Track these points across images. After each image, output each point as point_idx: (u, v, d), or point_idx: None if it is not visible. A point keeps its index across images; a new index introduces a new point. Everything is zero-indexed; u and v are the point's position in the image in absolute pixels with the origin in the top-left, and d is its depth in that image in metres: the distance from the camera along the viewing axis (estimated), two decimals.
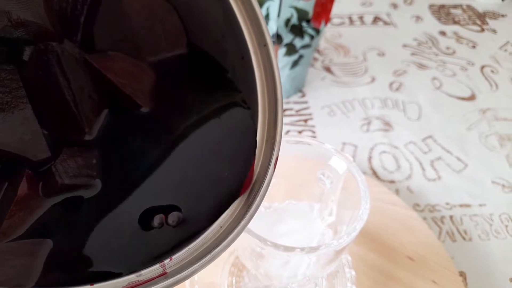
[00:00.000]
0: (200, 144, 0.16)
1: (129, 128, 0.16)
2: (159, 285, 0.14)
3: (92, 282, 0.14)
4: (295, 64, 0.47)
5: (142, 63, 0.16)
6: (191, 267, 0.14)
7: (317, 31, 0.44)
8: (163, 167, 0.16)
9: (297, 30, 0.42)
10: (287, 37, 0.43)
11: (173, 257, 0.15)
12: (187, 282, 0.31)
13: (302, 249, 0.20)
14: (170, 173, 0.16)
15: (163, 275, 0.14)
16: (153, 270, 0.15)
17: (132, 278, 0.14)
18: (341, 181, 0.25)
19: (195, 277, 0.31)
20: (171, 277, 0.14)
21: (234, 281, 0.32)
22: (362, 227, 0.21)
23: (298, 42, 0.44)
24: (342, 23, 0.66)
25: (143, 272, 0.14)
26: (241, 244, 0.24)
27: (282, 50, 0.44)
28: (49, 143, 0.14)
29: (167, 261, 0.15)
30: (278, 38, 0.43)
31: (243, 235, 0.16)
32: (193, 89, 0.17)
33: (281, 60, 0.45)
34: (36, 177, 0.13)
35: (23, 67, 0.13)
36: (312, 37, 0.44)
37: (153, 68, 0.16)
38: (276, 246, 0.20)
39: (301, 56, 0.46)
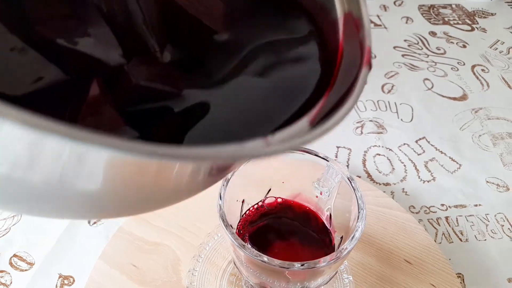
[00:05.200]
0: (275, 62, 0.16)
1: (200, 50, 0.15)
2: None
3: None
4: None
5: None
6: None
7: None
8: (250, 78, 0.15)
9: None
10: None
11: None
12: None
13: (302, 265, 0.20)
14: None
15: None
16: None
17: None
18: (336, 190, 0.25)
19: (195, 287, 0.31)
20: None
21: None
22: (357, 241, 0.21)
23: None
24: None
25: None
26: (237, 255, 0.24)
27: None
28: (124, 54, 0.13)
29: None
30: None
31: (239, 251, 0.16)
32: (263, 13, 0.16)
33: None
34: (109, 84, 0.13)
35: None
36: None
37: None
38: (272, 261, 0.20)
39: None
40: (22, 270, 0.35)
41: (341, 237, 0.25)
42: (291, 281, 0.24)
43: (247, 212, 0.27)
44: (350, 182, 0.23)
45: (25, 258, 0.36)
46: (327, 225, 0.26)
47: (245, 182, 0.25)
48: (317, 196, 0.26)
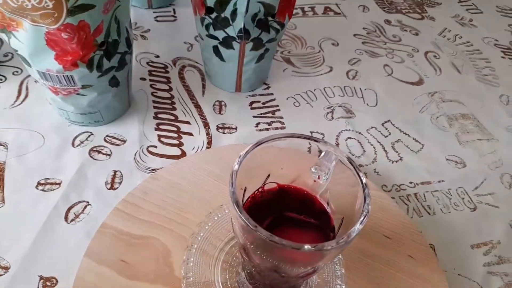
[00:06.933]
0: None
1: None
2: None
3: None
4: (260, 58, 0.47)
5: None
6: None
7: (282, 25, 0.45)
8: None
9: (263, 25, 0.43)
10: (254, 32, 0.43)
11: None
12: (183, 284, 0.30)
13: (313, 246, 0.21)
14: None
15: None
16: None
17: None
18: (333, 173, 0.26)
19: (190, 278, 0.31)
20: None
21: (228, 276, 0.33)
22: (367, 221, 0.22)
23: (264, 37, 0.44)
24: (295, 14, 0.67)
25: None
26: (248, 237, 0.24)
27: (249, 45, 0.44)
28: None
29: None
30: (246, 33, 0.43)
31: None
32: None
33: (247, 54, 0.46)
34: None
35: None
36: (277, 31, 0.45)
37: None
38: (283, 244, 0.21)
39: (266, 50, 0.47)
40: None
41: (342, 219, 0.26)
42: (296, 264, 0.25)
43: (248, 199, 0.27)
44: (351, 163, 0.24)
45: None
46: (326, 209, 0.27)
47: (248, 170, 0.25)
48: (314, 181, 0.27)
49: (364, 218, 0.22)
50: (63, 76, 0.37)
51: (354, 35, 0.65)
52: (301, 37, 0.62)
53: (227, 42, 0.44)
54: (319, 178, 0.27)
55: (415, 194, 0.43)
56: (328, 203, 0.28)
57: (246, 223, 0.21)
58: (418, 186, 0.44)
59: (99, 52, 0.37)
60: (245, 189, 0.27)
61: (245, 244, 0.25)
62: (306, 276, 0.26)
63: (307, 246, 0.21)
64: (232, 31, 0.43)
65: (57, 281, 0.33)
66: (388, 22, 0.69)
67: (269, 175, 0.28)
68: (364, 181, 0.24)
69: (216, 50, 0.46)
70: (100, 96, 0.41)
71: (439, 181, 0.45)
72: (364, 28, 0.67)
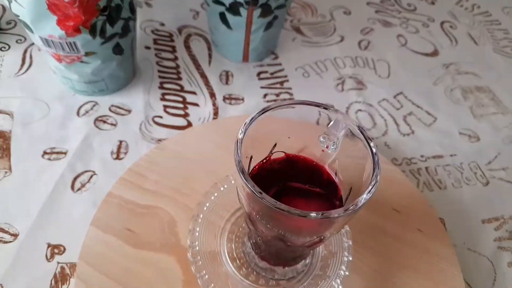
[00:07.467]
0: None
1: None
2: None
3: None
4: (269, 25, 0.45)
5: None
6: None
7: None
8: None
9: None
10: None
11: None
12: (188, 253, 0.30)
13: (320, 214, 0.20)
14: None
15: None
16: None
17: None
18: (342, 142, 0.25)
19: (196, 247, 0.31)
20: None
21: (233, 247, 0.32)
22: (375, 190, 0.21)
23: (273, 2, 0.42)
24: None
25: None
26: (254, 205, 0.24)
27: (257, 12, 0.43)
28: None
29: None
30: None
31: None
32: None
33: (255, 22, 0.44)
34: None
35: None
36: None
37: None
38: (289, 211, 0.20)
39: (275, 17, 0.45)
40: (5, 242, 0.33)
41: (350, 190, 0.25)
42: (302, 233, 0.24)
43: (254, 168, 0.26)
44: (362, 132, 0.23)
45: (8, 229, 0.34)
46: (334, 179, 0.27)
47: (254, 139, 0.24)
48: (323, 150, 0.26)
49: (372, 188, 0.21)
50: (66, 42, 0.36)
51: (367, 3, 0.62)
52: (312, 5, 0.60)
53: (234, 8, 0.42)
54: (327, 147, 0.26)
55: (426, 168, 0.42)
56: (336, 174, 0.27)
57: (252, 190, 0.21)
58: (430, 159, 0.43)
59: (101, 17, 0.36)
60: (251, 158, 0.26)
61: (250, 214, 0.24)
62: (312, 246, 0.25)
63: (313, 214, 0.20)
64: None
65: (65, 249, 0.33)
66: None
67: (275, 144, 0.27)
68: (374, 150, 0.23)
69: (223, 17, 0.44)
70: (104, 64, 0.40)
71: (451, 155, 0.44)
72: None
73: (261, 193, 0.21)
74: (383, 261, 0.33)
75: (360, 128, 0.24)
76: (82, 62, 0.39)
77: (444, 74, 0.53)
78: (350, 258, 0.31)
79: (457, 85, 0.52)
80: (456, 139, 0.46)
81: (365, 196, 0.21)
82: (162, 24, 0.54)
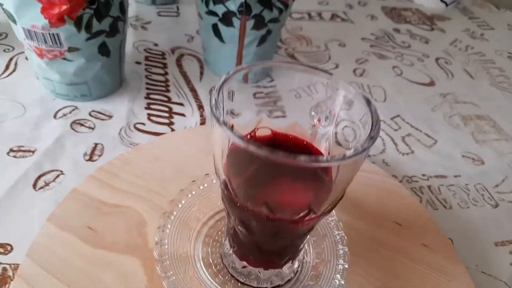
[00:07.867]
0: None
1: None
2: None
3: None
4: (263, 40, 0.45)
5: None
6: None
7: (285, 5, 0.43)
8: None
9: (266, 2, 0.41)
10: (256, 8, 0.41)
11: None
12: (155, 251, 0.26)
13: (308, 157, 0.16)
14: None
15: None
16: None
17: None
18: (337, 114, 0.23)
19: (165, 245, 0.26)
20: None
21: (210, 251, 0.28)
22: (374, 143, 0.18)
23: (266, 15, 0.42)
24: (301, 18, 0.66)
25: None
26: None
27: (250, 23, 0.42)
28: None
29: None
30: (247, 8, 0.40)
31: None
32: None
33: (248, 34, 0.43)
34: None
35: None
36: (280, 11, 0.43)
37: None
38: (274, 155, 0.17)
39: (269, 32, 0.44)
40: None
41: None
42: (290, 201, 0.20)
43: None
44: (367, 101, 0.20)
45: None
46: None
47: (234, 103, 0.21)
48: (314, 125, 0.24)
49: (372, 139, 0.18)
50: (49, 34, 0.35)
51: (362, 38, 0.63)
52: (307, 37, 0.61)
53: (227, 18, 0.42)
54: (319, 121, 0.23)
55: (429, 186, 0.39)
56: (329, 153, 0.24)
57: (230, 132, 0.17)
58: (432, 179, 0.40)
59: (89, 10, 0.35)
60: (232, 127, 0.23)
61: (227, 180, 0.20)
62: (301, 225, 0.21)
63: (303, 157, 0.17)
64: (232, 4, 0.40)
65: (12, 248, 0.28)
66: (397, 30, 0.67)
67: (261, 119, 0.24)
68: (373, 108, 0.20)
69: (215, 29, 0.44)
70: (88, 64, 0.38)
71: (455, 176, 0.40)
72: (372, 34, 0.65)
73: (242, 137, 0.17)
74: (383, 275, 0.28)
75: (363, 96, 0.21)
76: (64, 59, 0.37)
77: (442, 102, 0.51)
78: (346, 266, 0.26)
79: (456, 112, 0.50)
80: (459, 161, 0.43)
81: (362, 144, 0.18)
82: (156, 44, 0.53)
